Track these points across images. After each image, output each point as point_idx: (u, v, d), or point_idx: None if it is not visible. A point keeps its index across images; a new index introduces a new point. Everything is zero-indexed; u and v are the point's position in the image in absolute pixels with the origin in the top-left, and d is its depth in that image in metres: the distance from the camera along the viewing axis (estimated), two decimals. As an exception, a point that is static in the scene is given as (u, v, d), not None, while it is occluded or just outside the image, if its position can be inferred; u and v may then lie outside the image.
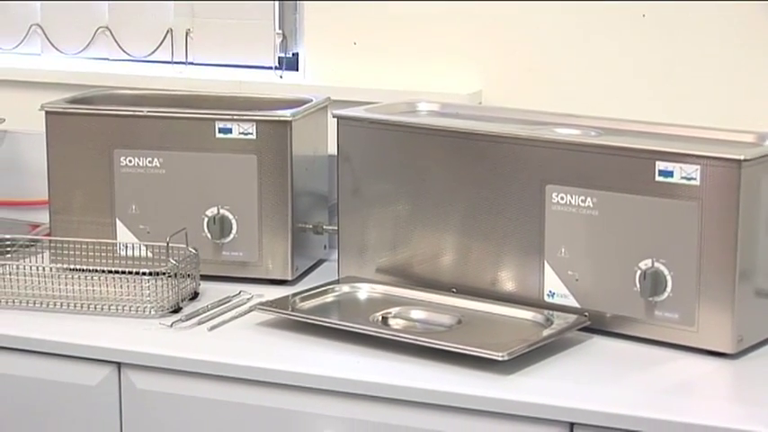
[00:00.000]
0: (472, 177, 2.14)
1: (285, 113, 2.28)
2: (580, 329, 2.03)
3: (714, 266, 1.95)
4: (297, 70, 2.61)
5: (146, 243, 2.29)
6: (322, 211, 2.41)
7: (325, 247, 2.42)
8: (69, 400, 2.07)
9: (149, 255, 2.27)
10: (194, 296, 2.23)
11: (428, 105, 2.36)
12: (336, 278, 2.27)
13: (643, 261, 2.00)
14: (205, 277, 2.26)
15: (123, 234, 2.32)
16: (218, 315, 2.15)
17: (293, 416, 1.94)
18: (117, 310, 2.16)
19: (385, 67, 2.51)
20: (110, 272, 2.23)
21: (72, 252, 2.31)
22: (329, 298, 2.20)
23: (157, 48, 2.69)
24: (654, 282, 1.99)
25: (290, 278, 2.31)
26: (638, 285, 2.01)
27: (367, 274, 2.25)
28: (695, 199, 1.95)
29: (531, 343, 1.95)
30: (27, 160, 2.72)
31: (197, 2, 2.65)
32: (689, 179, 1.96)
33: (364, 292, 2.22)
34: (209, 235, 2.29)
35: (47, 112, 2.35)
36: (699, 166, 1.95)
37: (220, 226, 2.29)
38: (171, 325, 2.10)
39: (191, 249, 2.22)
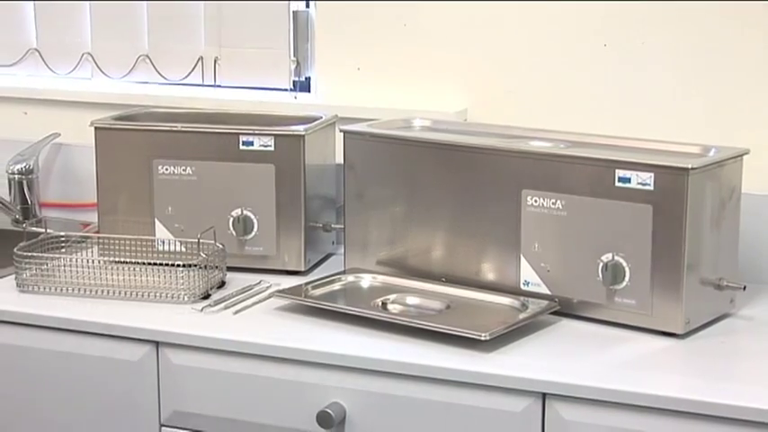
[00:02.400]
0: (459, 183, 2.14)
1: (299, 129, 2.28)
2: (551, 313, 2.03)
3: (665, 259, 1.95)
4: (309, 92, 2.61)
5: (180, 239, 2.28)
6: (330, 212, 2.40)
7: (333, 242, 2.41)
8: (114, 373, 2.07)
9: (183, 249, 2.26)
10: (221, 285, 2.22)
11: (421, 122, 2.35)
12: (343, 269, 2.26)
13: (605, 255, 2.00)
14: (230, 268, 2.25)
15: (161, 231, 2.31)
16: (242, 301, 2.14)
17: (306, 387, 1.94)
18: (155, 296, 2.15)
19: (384, 89, 2.50)
20: (149, 264, 2.23)
21: (117, 247, 2.30)
22: (336, 286, 2.19)
23: (190, 73, 2.69)
24: (614, 272, 1.98)
25: (303, 269, 2.30)
26: (600, 275, 2.00)
27: (369, 265, 2.24)
28: (649, 202, 1.95)
29: (509, 325, 1.95)
30: (79, 169, 2.71)
31: (224, 33, 2.65)
32: (644, 185, 1.95)
33: (366, 281, 2.21)
34: (233, 232, 2.29)
35: (96, 128, 2.35)
36: (652, 174, 1.94)
37: (243, 225, 2.28)
38: (202, 309, 2.09)
39: (218, 245, 2.21)
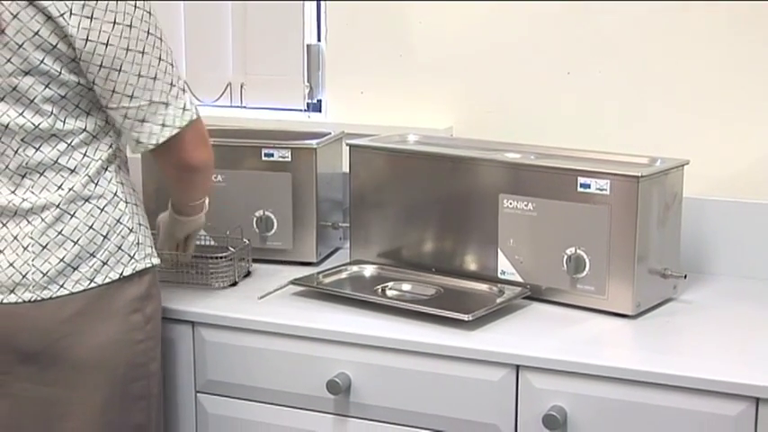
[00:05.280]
0: (446, 188, 2.13)
1: (312, 143, 2.27)
2: (523, 298, 2.02)
3: (619, 252, 1.94)
4: (320, 112, 2.60)
5: (212, 235, 2.27)
6: (338, 212, 2.39)
7: (340, 238, 2.40)
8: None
9: (215, 244, 2.25)
10: (247, 274, 2.21)
11: (414, 137, 2.34)
12: (348, 261, 2.25)
13: (568, 249, 1.99)
14: (255, 260, 2.24)
15: (196, 229, 2.30)
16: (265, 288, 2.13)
17: (317, 360, 1.93)
18: (192, 283, 2.14)
19: (383, 110, 2.49)
20: (186, 256, 2.22)
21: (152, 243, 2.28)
22: (343, 275, 2.18)
23: (220, 96, 2.68)
24: (576, 263, 1.98)
25: (315, 261, 2.29)
26: (565, 266, 1.99)
27: (370, 257, 2.23)
28: (606, 204, 1.94)
29: (488, 307, 1.94)
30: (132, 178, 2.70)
31: (249, 63, 2.64)
32: (601, 190, 1.95)
33: (369, 270, 2.20)
34: (257, 230, 2.28)
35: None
36: (609, 180, 1.94)
37: (265, 223, 2.27)
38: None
39: (244, 240, 2.20)
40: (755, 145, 2.21)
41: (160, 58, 1.74)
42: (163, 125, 1.76)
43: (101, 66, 1.70)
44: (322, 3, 2.54)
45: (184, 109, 1.78)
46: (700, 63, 2.23)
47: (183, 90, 1.79)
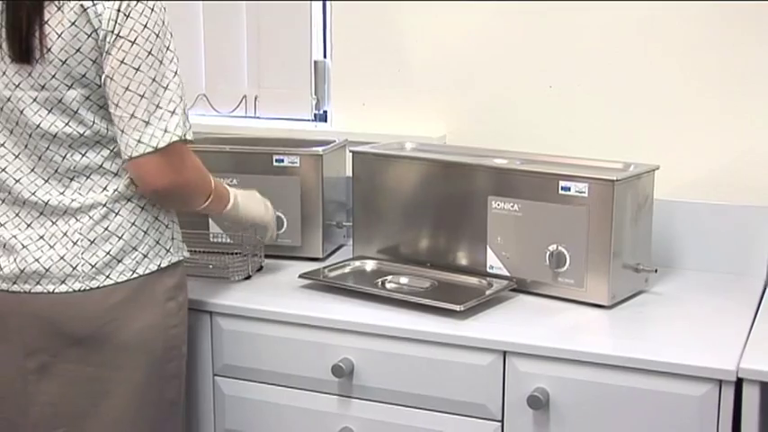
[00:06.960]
0: (440, 191, 2.14)
1: (318, 150, 2.27)
2: (510, 290, 2.03)
3: (596, 249, 1.95)
4: (326, 122, 2.61)
5: (228, 233, 2.27)
6: (342, 213, 2.39)
7: (344, 236, 2.40)
8: (179, 335, 2.06)
9: (231, 241, 2.25)
10: (260, 269, 2.21)
11: (411, 144, 2.35)
12: (352, 256, 2.25)
13: (551, 245, 1.99)
14: (267, 256, 2.24)
15: (213, 227, 2.30)
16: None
17: (323, 346, 1.94)
18: (211, 276, 2.15)
19: (383, 120, 2.50)
20: (204, 252, 2.22)
21: (182, 238, 2.29)
22: (347, 269, 2.19)
23: (236, 107, 2.68)
24: (558, 259, 1.98)
25: (321, 257, 2.30)
26: (547, 261, 2.00)
27: (372, 253, 2.24)
28: (584, 205, 1.95)
29: (478, 299, 1.95)
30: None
31: (262, 77, 2.64)
32: (580, 192, 1.95)
33: (370, 265, 2.20)
34: (269, 228, 2.28)
35: (164, 149, 2.34)
36: (587, 184, 1.94)
37: (276, 223, 2.27)
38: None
39: (257, 237, 2.20)
40: (719, 152, 2.21)
41: (153, 79, 1.69)
42: (138, 141, 1.69)
43: (104, 73, 1.71)
44: (328, 23, 2.54)
45: (165, 131, 1.70)
46: (668, 79, 2.23)
47: (173, 113, 1.71)
